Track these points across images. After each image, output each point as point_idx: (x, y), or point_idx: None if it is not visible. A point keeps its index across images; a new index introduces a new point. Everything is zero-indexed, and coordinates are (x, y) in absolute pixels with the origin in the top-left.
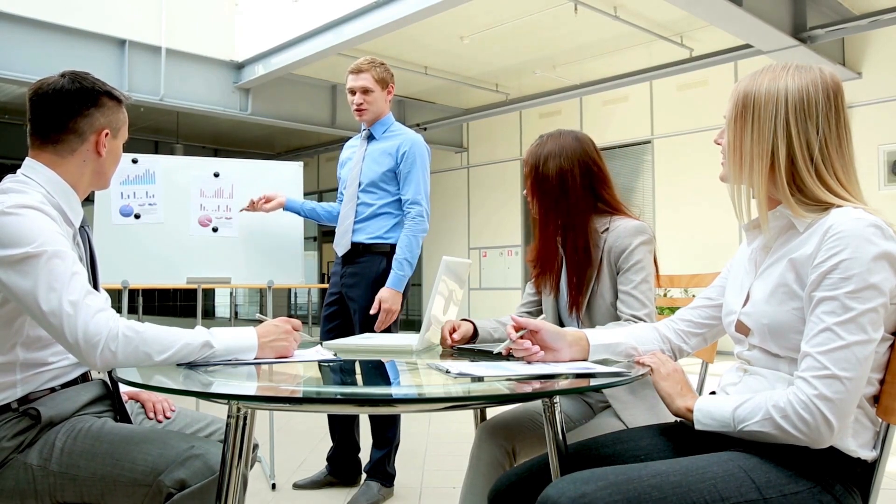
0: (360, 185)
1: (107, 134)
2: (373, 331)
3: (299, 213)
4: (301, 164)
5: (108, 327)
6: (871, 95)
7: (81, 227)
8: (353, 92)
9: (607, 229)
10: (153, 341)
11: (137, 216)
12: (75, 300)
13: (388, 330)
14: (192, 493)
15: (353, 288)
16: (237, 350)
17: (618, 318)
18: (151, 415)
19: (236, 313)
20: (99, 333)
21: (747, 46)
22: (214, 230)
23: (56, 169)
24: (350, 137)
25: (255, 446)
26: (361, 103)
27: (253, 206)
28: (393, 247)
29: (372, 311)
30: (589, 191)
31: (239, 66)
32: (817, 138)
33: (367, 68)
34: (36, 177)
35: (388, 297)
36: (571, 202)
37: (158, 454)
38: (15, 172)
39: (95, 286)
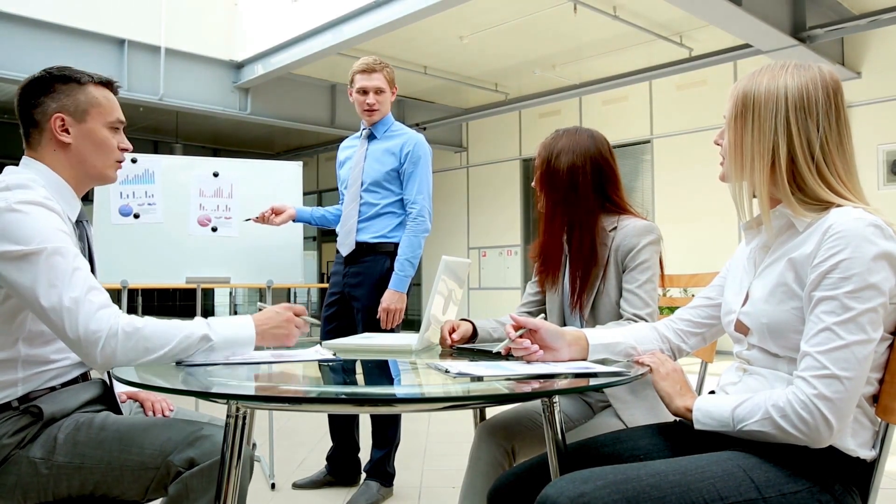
0: (362, 184)
1: (62, 119)
2: (375, 330)
3: (310, 223)
4: (300, 163)
5: (108, 324)
6: (870, 95)
7: (79, 221)
8: (364, 92)
9: (615, 228)
10: (153, 337)
11: (137, 216)
12: (76, 296)
13: (390, 330)
14: (201, 470)
15: (356, 287)
16: (236, 341)
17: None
18: (150, 413)
19: (236, 313)
20: (99, 331)
21: (746, 46)
22: (214, 230)
23: (41, 162)
24: (349, 137)
25: (253, 445)
26: (374, 104)
27: (263, 219)
28: (397, 246)
29: (379, 316)
30: (598, 190)
31: (238, 66)
32: (818, 136)
33: (379, 68)
34: (31, 173)
35: (388, 298)
36: (580, 199)
37: (167, 437)
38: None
39: None
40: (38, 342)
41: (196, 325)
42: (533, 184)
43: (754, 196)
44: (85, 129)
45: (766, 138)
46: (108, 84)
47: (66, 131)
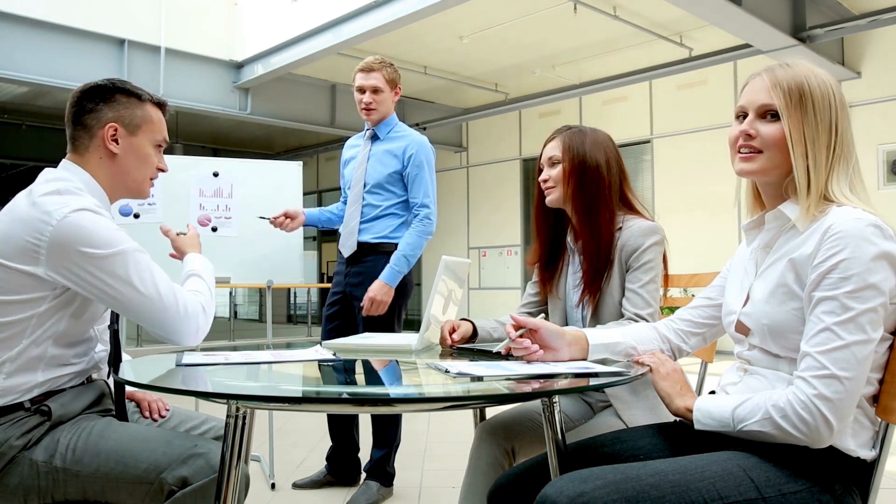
0: (365, 185)
1: (115, 129)
2: (376, 330)
3: (317, 226)
4: (300, 163)
5: (195, 304)
6: (870, 95)
7: None
8: (362, 91)
9: (620, 228)
10: (208, 302)
11: (137, 216)
12: (169, 285)
13: (390, 329)
14: (193, 490)
15: (357, 287)
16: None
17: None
18: (147, 413)
19: (236, 313)
20: (196, 312)
21: (746, 46)
22: (214, 230)
23: (83, 168)
24: (349, 137)
25: None
26: (370, 102)
27: (277, 223)
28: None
29: (363, 304)
30: (618, 188)
31: (238, 66)
32: (849, 135)
33: (378, 67)
34: (73, 178)
35: (376, 288)
36: (608, 196)
37: (162, 453)
38: (14, 171)
39: None
40: (65, 343)
41: (194, 270)
42: (543, 176)
43: (809, 188)
44: (134, 143)
45: (826, 129)
46: (162, 105)
47: (116, 141)
